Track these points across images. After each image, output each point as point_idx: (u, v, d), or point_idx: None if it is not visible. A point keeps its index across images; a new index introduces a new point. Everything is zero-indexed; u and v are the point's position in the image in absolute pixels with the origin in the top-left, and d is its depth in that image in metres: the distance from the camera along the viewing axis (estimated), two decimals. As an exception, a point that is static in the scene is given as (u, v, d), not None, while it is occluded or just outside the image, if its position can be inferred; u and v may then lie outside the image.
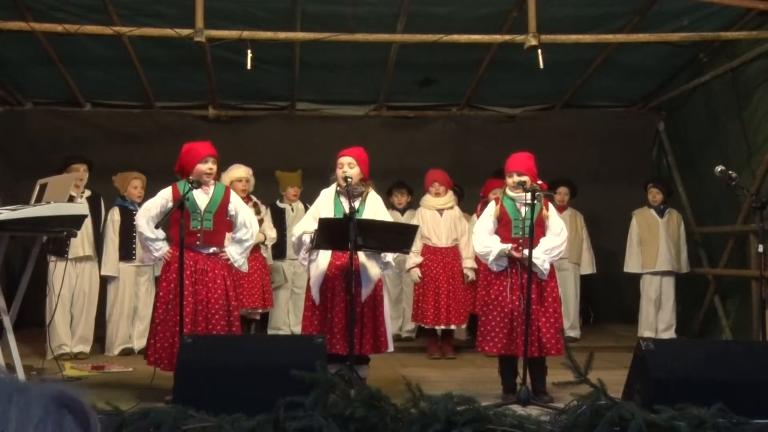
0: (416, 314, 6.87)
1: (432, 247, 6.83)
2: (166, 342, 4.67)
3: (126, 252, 6.69)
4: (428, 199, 6.97)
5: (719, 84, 7.19)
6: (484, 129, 8.83)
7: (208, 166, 4.85)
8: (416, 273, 6.77)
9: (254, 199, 7.07)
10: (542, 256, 4.74)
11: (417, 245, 6.62)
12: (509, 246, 4.81)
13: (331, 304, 4.93)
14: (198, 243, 4.82)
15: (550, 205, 5.11)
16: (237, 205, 5.02)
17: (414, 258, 6.71)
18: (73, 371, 5.73)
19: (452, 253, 6.87)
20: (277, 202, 7.55)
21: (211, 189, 4.95)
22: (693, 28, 6.53)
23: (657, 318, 7.43)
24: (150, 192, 6.73)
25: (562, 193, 7.65)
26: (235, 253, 4.94)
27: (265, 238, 7.09)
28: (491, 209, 5.05)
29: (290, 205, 7.46)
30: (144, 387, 4.72)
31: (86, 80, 7.87)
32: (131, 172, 6.88)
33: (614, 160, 8.59)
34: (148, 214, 4.88)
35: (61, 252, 6.26)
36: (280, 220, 7.41)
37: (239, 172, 6.79)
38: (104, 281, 6.75)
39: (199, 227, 4.83)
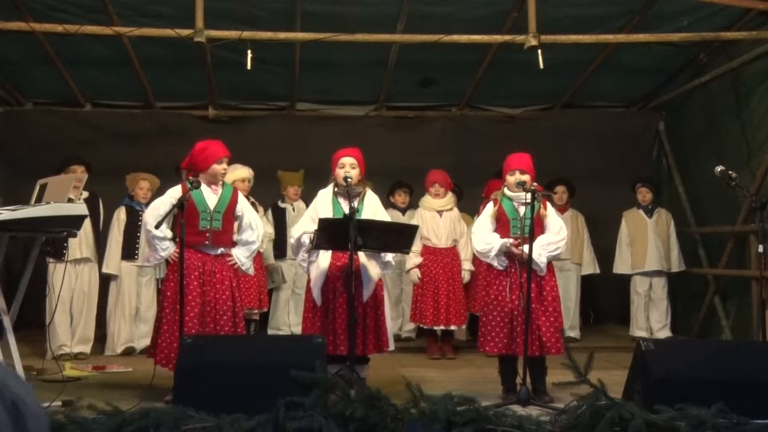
0: (415, 314, 6.87)
1: (431, 247, 6.83)
2: (174, 342, 4.66)
3: (129, 251, 6.70)
4: (427, 200, 6.97)
5: (719, 84, 7.19)
6: (484, 129, 8.83)
7: (223, 167, 4.89)
8: (416, 273, 6.77)
9: (251, 199, 7.07)
10: (539, 250, 4.74)
11: (417, 246, 6.62)
12: (509, 240, 4.82)
13: (333, 305, 4.92)
14: (207, 242, 4.81)
15: (549, 204, 5.12)
16: (243, 207, 5.04)
17: (414, 259, 6.71)
18: (73, 371, 5.73)
19: (452, 253, 6.87)
20: (279, 202, 7.55)
21: (220, 189, 4.95)
22: (693, 28, 6.54)
23: (651, 318, 7.46)
24: (157, 194, 6.75)
25: (560, 192, 7.66)
26: (242, 256, 4.94)
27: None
28: (489, 209, 5.06)
29: (291, 204, 7.46)
30: (144, 387, 4.72)
31: (86, 80, 7.87)
32: (140, 173, 6.93)
33: (614, 160, 8.60)
34: (156, 213, 4.87)
35: (59, 254, 6.25)
36: (280, 220, 7.42)
37: (243, 172, 6.79)
38: (105, 280, 6.75)
39: (208, 227, 4.82)
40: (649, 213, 7.54)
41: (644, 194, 7.54)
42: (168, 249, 4.87)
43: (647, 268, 7.44)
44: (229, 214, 4.93)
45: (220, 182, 4.96)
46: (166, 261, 4.95)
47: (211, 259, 4.84)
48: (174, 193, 4.93)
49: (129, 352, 6.68)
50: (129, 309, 6.75)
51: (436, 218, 6.88)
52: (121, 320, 6.71)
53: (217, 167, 4.85)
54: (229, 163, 5.10)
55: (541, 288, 4.82)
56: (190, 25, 5.74)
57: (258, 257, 7.04)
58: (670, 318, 7.56)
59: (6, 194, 7.47)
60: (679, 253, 7.55)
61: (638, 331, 7.40)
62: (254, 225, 5.02)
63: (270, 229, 7.31)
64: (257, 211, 6.99)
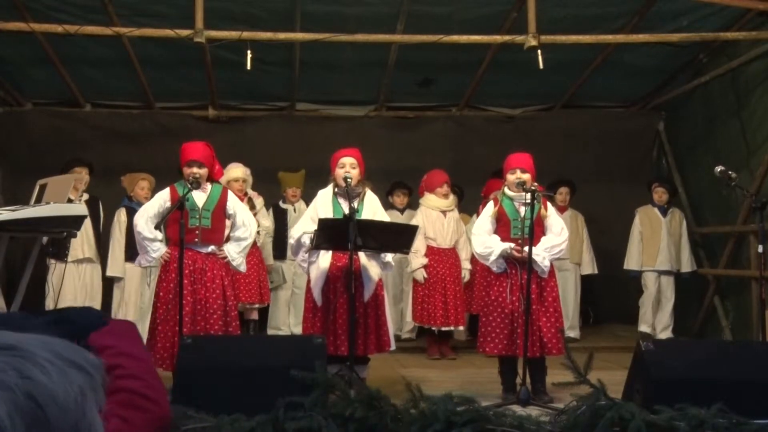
0: (421, 316, 6.79)
1: (436, 248, 6.81)
2: (167, 342, 4.69)
3: (133, 252, 6.69)
4: (433, 200, 6.92)
5: (719, 84, 7.19)
6: (484, 129, 8.83)
7: (192, 171, 4.88)
8: (422, 274, 6.73)
9: (249, 194, 7.06)
10: (542, 253, 4.74)
11: (421, 246, 6.61)
12: (510, 245, 4.81)
13: (334, 305, 4.93)
14: (196, 240, 4.85)
15: (549, 204, 5.12)
16: (235, 205, 5.08)
17: (420, 259, 6.69)
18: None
19: (455, 253, 6.87)
20: (280, 203, 7.54)
21: (209, 187, 5.00)
22: (692, 28, 6.54)
23: (655, 318, 7.43)
24: (155, 193, 6.75)
25: (564, 193, 7.64)
26: (233, 251, 4.97)
27: (258, 224, 7.01)
28: (490, 209, 5.05)
29: (292, 205, 7.45)
30: (144, 387, 4.71)
31: (86, 81, 7.87)
32: (139, 173, 6.92)
33: (614, 160, 8.60)
34: (146, 215, 4.92)
35: (61, 255, 6.26)
36: (281, 221, 7.40)
37: (237, 172, 6.78)
38: (110, 282, 6.76)
39: (197, 225, 4.86)
40: (664, 212, 7.50)
41: (661, 194, 7.49)
42: (159, 250, 4.89)
43: (658, 267, 7.38)
44: (218, 212, 4.96)
45: (205, 183, 4.98)
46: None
47: (202, 257, 4.86)
48: (163, 194, 5.00)
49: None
50: (134, 310, 6.76)
51: (441, 218, 6.87)
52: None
53: (186, 170, 4.91)
54: (214, 164, 5.08)
55: (542, 289, 4.82)
56: (190, 25, 5.74)
57: (258, 253, 7.04)
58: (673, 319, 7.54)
59: (6, 194, 7.48)
60: (690, 254, 7.50)
61: (645, 326, 7.35)
62: (246, 222, 5.07)
63: (267, 223, 7.29)
64: (255, 205, 7.00)
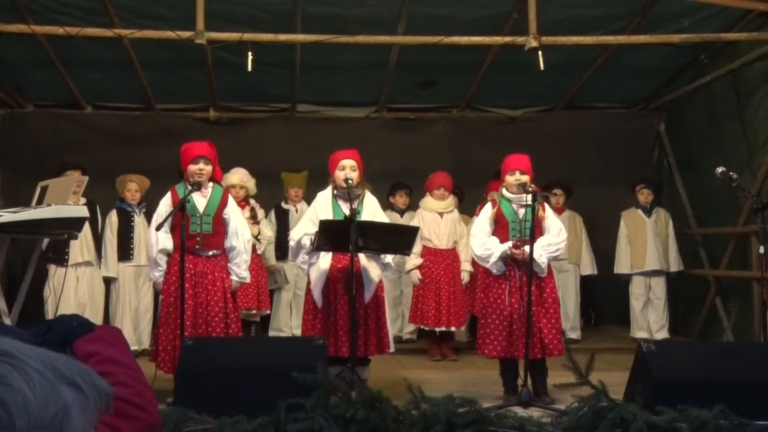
0: (415, 316, 6.86)
1: (432, 248, 6.83)
2: (168, 344, 4.69)
3: (124, 253, 6.75)
4: (429, 202, 6.96)
5: (720, 85, 7.19)
6: (485, 130, 8.83)
7: (199, 167, 4.84)
8: (416, 275, 6.77)
9: (252, 203, 7.06)
10: (539, 250, 4.72)
11: (417, 247, 6.62)
12: (509, 245, 4.81)
13: (334, 307, 4.93)
14: (197, 246, 4.83)
15: (547, 206, 5.11)
16: (231, 211, 5.01)
17: (414, 260, 6.71)
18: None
19: (452, 254, 6.87)
20: (282, 204, 7.54)
21: (209, 191, 4.96)
22: (694, 29, 6.53)
23: (650, 319, 7.45)
24: (151, 194, 6.75)
25: (557, 194, 7.67)
26: (241, 273, 4.95)
27: (259, 233, 7.00)
28: (488, 211, 5.04)
29: (294, 206, 7.45)
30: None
31: (87, 82, 7.87)
32: (128, 175, 6.94)
33: (615, 161, 8.59)
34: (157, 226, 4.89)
35: (61, 260, 6.28)
36: (284, 222, 7.39)
37: (233, 179, 6.75)
38: (107, 283, 6.79)
39: (198, 231, 4.84)
40: (648, 213, 7.54)
41: (646, 195, 7.54)
42: (157, 277, 4.89)
43: (647, 268, 7.43)
44: (219, 216, 4.93)
45: (208, 183, 4.95)
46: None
47: (203, 261, 4.85)
48: (166, 200, 4.97)
49: (135, 354, 6.68)
50: (130, 310, 6.78)
51: (437, 219, 6.89)
52: (124, 322, 6.72)
53: (192, 167, 4.85)
54: (216, 163, 5.07)
55: (542, 290, 4.82)
56: (191, 27, 5.74)
57: (258, 259, 7.03)
58: (670, 319, 7.55)
59: (7, 196, 7.48)
60: (677, 253, 7.55)
61: (639, 332, 7.39)
62: (239, 232, 4.98)
63: (269, 232, 7.29)
64: (257, 216, 6.98)
